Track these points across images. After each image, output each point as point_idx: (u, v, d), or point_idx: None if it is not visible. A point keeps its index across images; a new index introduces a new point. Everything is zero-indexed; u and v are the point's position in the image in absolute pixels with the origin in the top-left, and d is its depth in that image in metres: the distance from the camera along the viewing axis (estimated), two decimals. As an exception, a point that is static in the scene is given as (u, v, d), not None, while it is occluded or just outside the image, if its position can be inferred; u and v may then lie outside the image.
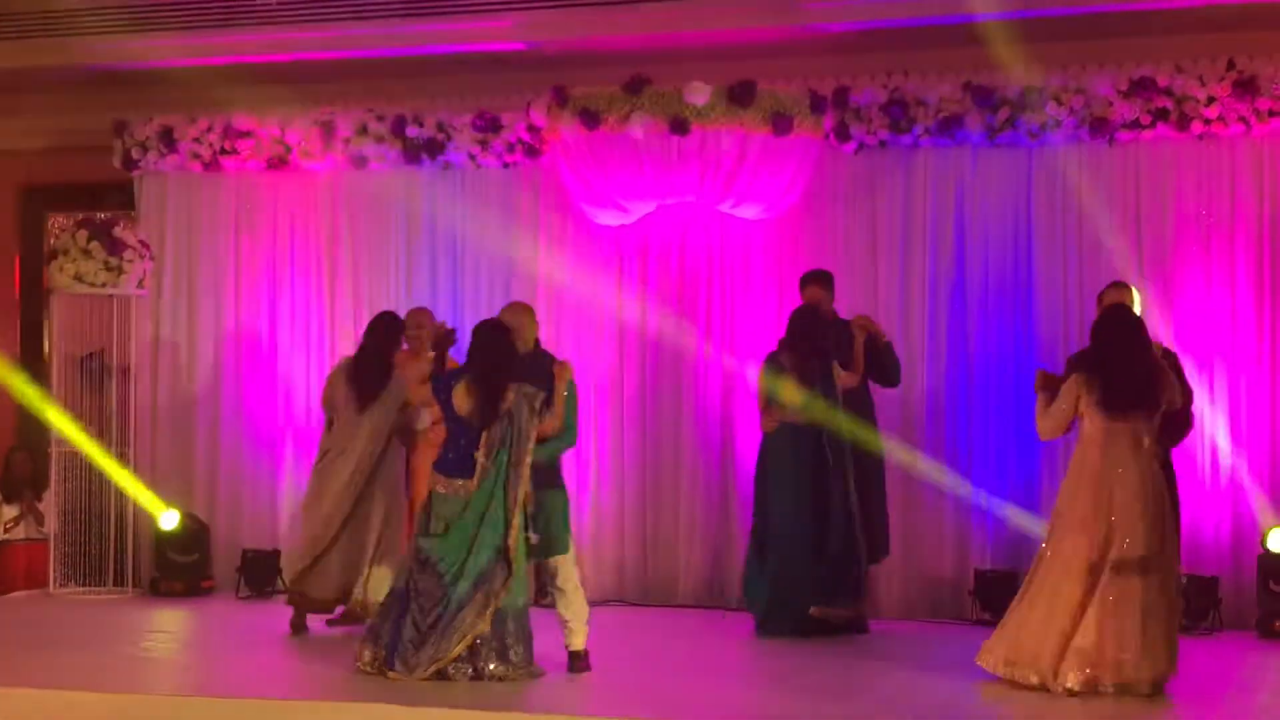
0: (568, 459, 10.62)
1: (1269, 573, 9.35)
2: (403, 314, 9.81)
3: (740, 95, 10.07)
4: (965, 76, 10.22)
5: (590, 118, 10.20)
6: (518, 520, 7.63)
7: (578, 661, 7.94)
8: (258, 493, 11.43)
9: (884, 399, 10.00)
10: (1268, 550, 9.41)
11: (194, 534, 11.13)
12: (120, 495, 11.08)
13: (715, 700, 7.39)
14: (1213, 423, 9.84)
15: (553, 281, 10.94)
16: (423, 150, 11.12)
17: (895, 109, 10.27)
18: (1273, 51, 9.80)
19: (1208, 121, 9.84)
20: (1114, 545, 7.33)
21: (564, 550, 8.02)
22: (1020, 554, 9.97)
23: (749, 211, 10.49)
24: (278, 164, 11.41)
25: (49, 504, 11.31)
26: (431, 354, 8.09)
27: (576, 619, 7.99)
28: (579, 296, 10.93)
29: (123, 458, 11.13)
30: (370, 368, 9.29)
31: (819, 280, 9.81)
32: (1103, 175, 10.10)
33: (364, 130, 11.19)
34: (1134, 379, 7.44)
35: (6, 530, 11.58)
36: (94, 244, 10.88)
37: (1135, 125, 9.95)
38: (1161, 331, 9.88)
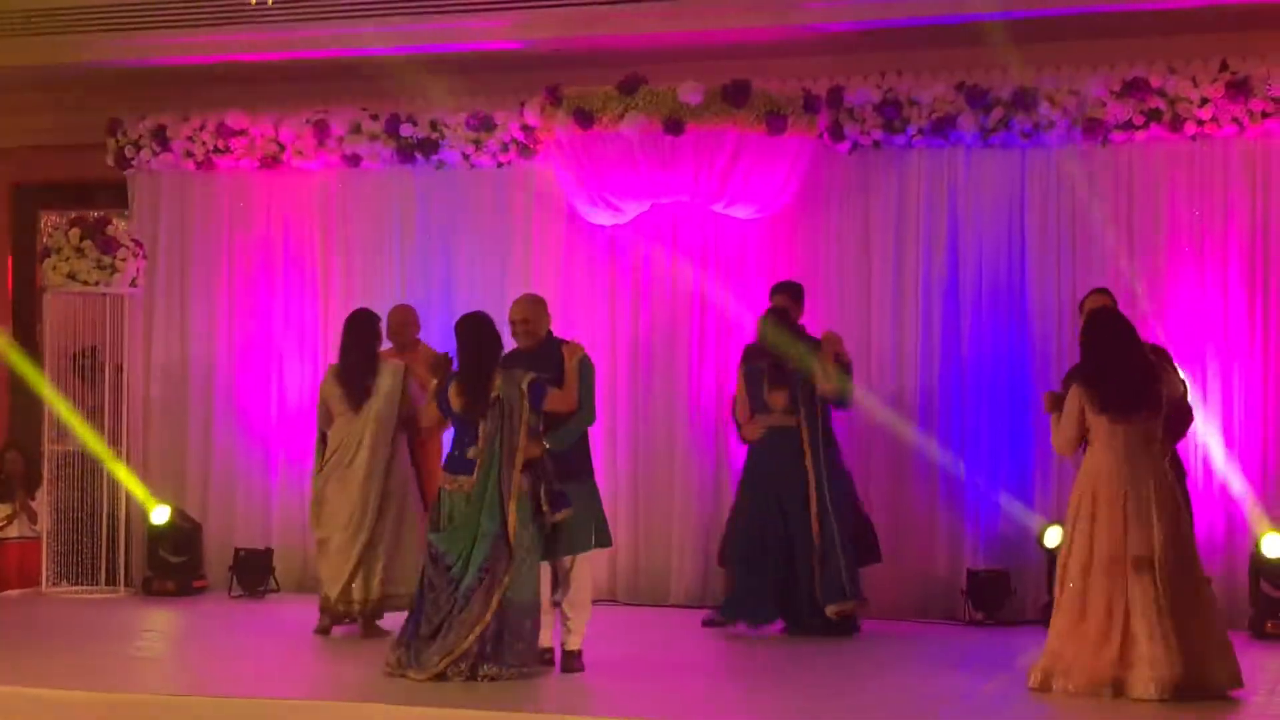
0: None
1: (1263, 575, 9.36)
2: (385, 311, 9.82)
3: (734, 95, 10.07)
4: (959, 77, 10.23)
5: (584, 117, 10.20)
6: (514, 508, 7.64)
7: (572, 661, 7.94)
8: (250, 492, 11.42)
9: (878, 396, 10.02)
10: (1262, 555, 9.42)
11: (186, 533, 11.12)
12: (113, 494, 11.06)
13: (707, 700, 7.40)
14: (1205, 423, 9.85)
15: (546, 281, 10.93)
16: (416, 149, 11.12)
17: (889, 109, 10.28)
18: (1266, 53, 9.81)
19: (1201, 123, 9.85)
20: (1138, 546, 7.32)
21: (585, 548, 8.02)
22: (1013, 554, 10.00)
23: (743, 211, 10.49)
24: (271, 163, 11.41)
25: (41, 503, 11.30)
26: (434, 381, 8.11)
27: (579, 619, 7.99)
28: (572, 296, 10.93)
29: (116, 456, 11.11)
30: (357, 365, 9.26)
31: (788, 291, 9.82)
32: (1096, 176, 10.11)
33: (358, 129, 11.19)
34: (1131, 380, 7.46)
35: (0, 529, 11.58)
36: (87, 242, 10.86)
37: (1128, 126, 9.96)
38: (1154, 332, 9.89)
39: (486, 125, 10.96)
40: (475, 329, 7.88)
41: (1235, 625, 9.36)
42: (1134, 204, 10.09)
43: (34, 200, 12.41)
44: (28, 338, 12.21)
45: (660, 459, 10.76)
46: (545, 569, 7.94)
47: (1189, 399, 8.13)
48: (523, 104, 10.71)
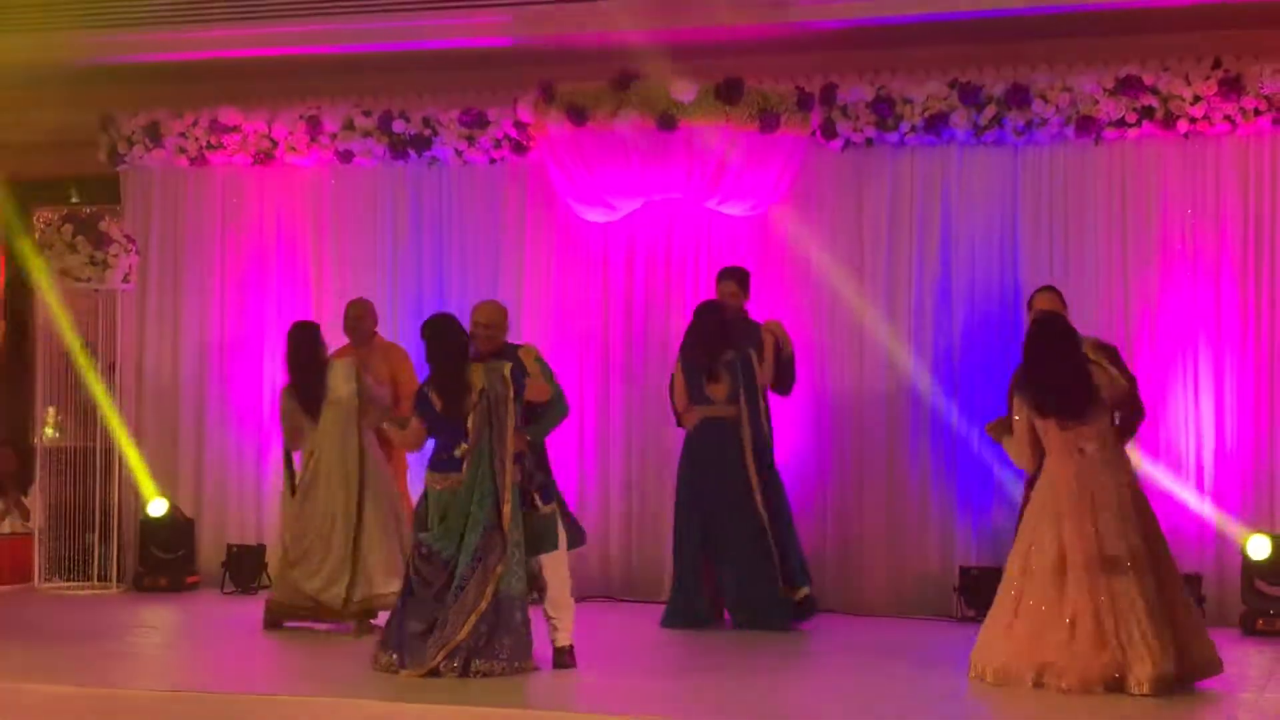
0: (554, 455, 10.66)
1: (1254, 572, 9.37)
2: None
3: (727, 92, 10.08)
4: (952, 74, 10.23)
5: (577, 114, 10.20)
6: (508, 495, 7.65)
7: (563, 657, 7.94)
8: (243, 488, 11.42)
9: (870, 395, 10.04)
10: (1247, 556, 9.43)
11: (179, 529, 11.13)
12: (105, 491, 11.06)
13: (702, 697, 7.40)
14: (1196, 419, 9.87)
15: (539, 278, 10.94)
16: (409, 145, 11.11)
17: (882, 106, 10.28)
18: (1259, 51, 9.82)
19: (1193, 120, 9.86)
20: (1113, 546, 7.35)
21: (554, 548, 8.03)
22: (1005, 552, 9.98)
23: (735, 209, 10.50)
24: (264, 159, 11.40)
25: (34, 499, 11.29)
26: (409, 420, 8.16)
27: (563, 618, 7.99)
28: (565, 293, 10.94)
29: (108, 452, 11.11)
30: (306, 378, 9.32)
31: (736, 276, 9.84)
32: (1089, 173, 10.12)
33: (350, 125, 11.19)
34: (1070, 385, 7.51)
35: None
36: (79, 239, 10.85)
37: (1121, 124, 9.97)
38: (1147, 330, 9.92)
39: (479, 122, 10.96)
40: (445, 330, 7.93)
41: (1226, 622, 9.42)
42: (1127, 201, 10.09)
43: (26, 196, 12.38)
44: (21, 334, 12.19)
45: (653, 456, 10.75)
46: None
47: (1136, 393, 8.13)
48: (516, 101, 10.71)
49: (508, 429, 7.71)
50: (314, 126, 11.23)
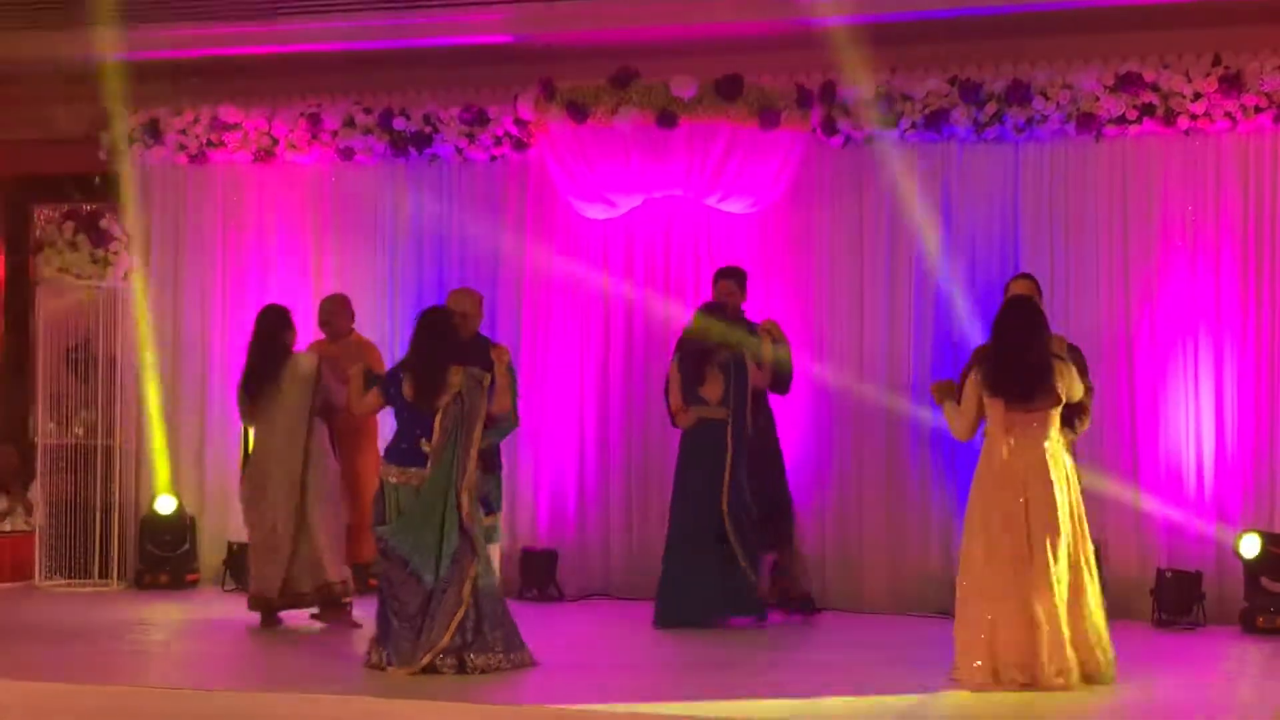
0: (553, 452, 10.65)
1: (1260, 569, 9.35)
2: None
3: (727, 89, 10.07)
4: (952, 71, 10.22)
5: (577, 111, 10.20)
6: (466, 499, 7.69)
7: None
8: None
9: (870, 392, 10.04)
10: (1240, 556, 9.42)
11: (180, 527, 11.12)
12: (106, 488, 11.06)
13: (698, 694, 7.39)
14: (1197, 417, 9.86)
15: (539, 275, 10.94)
16: (410, 143, 11.11)
17: (882, 103, 10.28)
18: (1259, 47, 9.81)
19: (1194, 117, 9.85)
20: (1044, 538, 7.37)
21: (495, 540, 8.09)
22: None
23: (735, 205, 10.49)
24: (264, 156, 11.40)
25: (36, 496, 11.30)
26: (361, 369, 8.20)
27: None
28: (565, 290, 10.93)
29: (108, 450, 11.12)
30: (258, 365, 9.33)
31: (734, 276, 9.84)
32: (1089, 170, 10.11)
33: (351, 123, 11.18)
34: (1027, 371, 7.50)
35: None
36: (80, 236, 10.85)
37: (1122, 121, 9.96)
38: (1147, 325, 9.92)
39: (480, 119, 10.96)
40: (437, 322, 7.95)
41: (1226, 620, 9.42)
42: (1127, 198, 10.08)
43: (27, 194, 12.39)
44: (19, 331, 12.20)
45: (653, 453, 10.74)
46: None
47: (1089, 403, 8.13)
48: (516, 98, 10.71)
49: (476, 434, 7.77)
50: (314, 124, 11.22)
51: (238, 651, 8.67)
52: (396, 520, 7.74)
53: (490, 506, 8.00)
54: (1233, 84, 9.73)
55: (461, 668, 7.58)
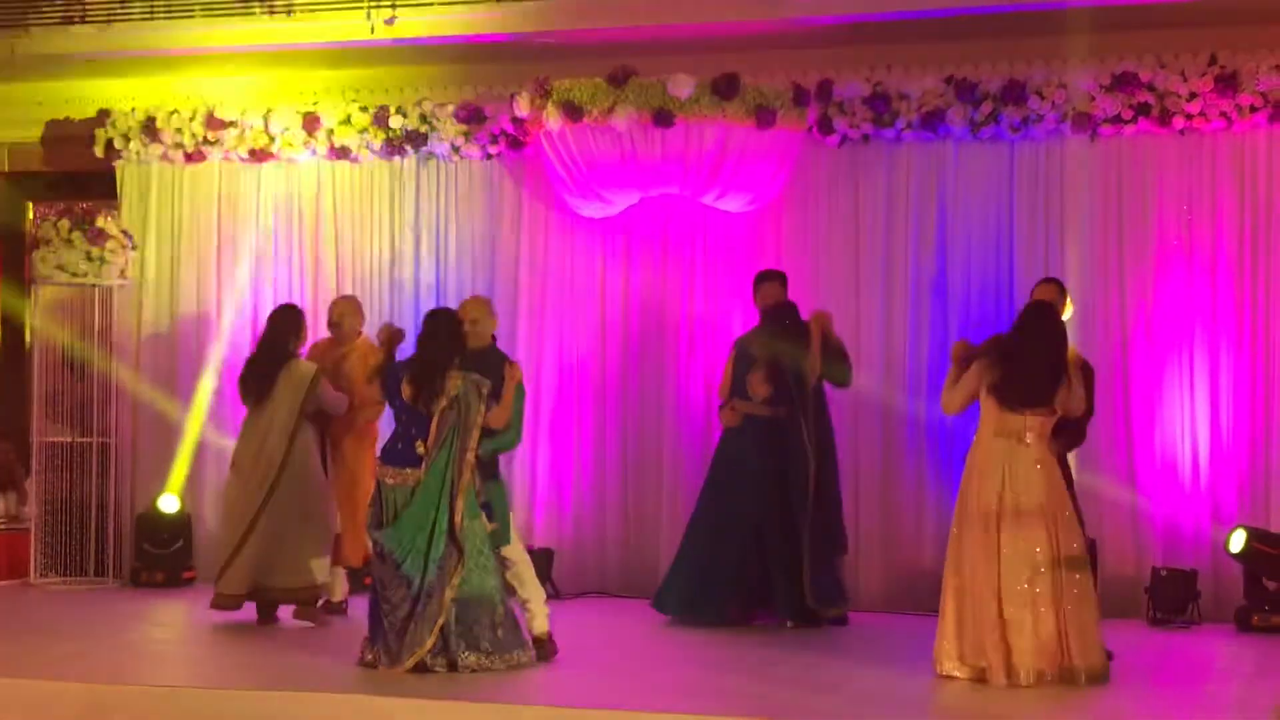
0: (549, 450, 10.65)
1: (1259, 568, 9.35)
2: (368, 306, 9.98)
3: (724, 88, 10.08)
4: (948, 71, 10.24)
5: (574, 109, 10.20)
6: (461, 505, 7.67)
7: (544, 646, 7.96)
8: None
9: (866, 390, 10.03)
10: (1229, 551, 9.43)
11: (176, 524, 11.12)
12: (102, 485, 11.07)
13: (694, 691, 7.41)
14: (1192, 416, 9.88)
15: (535, 274, 10.94)
16: (405, 141, 11.11)
17: (878, 102, 10.29)
18: (1254, 47, 9.83)
19: (1189, 117, 9.87)
20: (1035, 542, 7.40)
21: (507, 541, 8.07)
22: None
23: (732, 204, 10.50)
24: (260, 155, 11.39)
25: (31, 493, 11.30)
26: (381, 350, 8.13)
27: (535, 600, 8.04)
28: (562, 288, 10.94)
29: (104, 447, 11.12)
30: (262, 363, 9.37)
31: (776, 278, 9.83)
32: (1084, 170, 10.12)
33: (347, 121, 11.17)
34: (1033, 376, 7.51)
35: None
36: (76, 234, 10.85)
37: (1117, 120, 9.98)
38: (1143, 326, 9.93)
39: (476, 117, 10.96)
40: (443, 325, 7.94)
41: (1221, 618, 9.44)
42: (1122, 198, 10.10)
43: (23, 191, 12.38)
44: (16, 329, 12.20)
45: (650, 451, 10.76)
46: None
47: (1085, 424, 8.14)
48: (512, 96, 10.71)
49: (471, 441, 7.75)
50: (310, 122, 11.22)
51: (233, 650, 8.66)
52: (391, 525, 7.73)
53: (491, 513, 7.93)
54: (1228, 84, 9.75)
55: (453, 667, 7.58)
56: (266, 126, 11.31)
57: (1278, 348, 9.85)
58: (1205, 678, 7.75)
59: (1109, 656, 7.55)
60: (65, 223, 10.88)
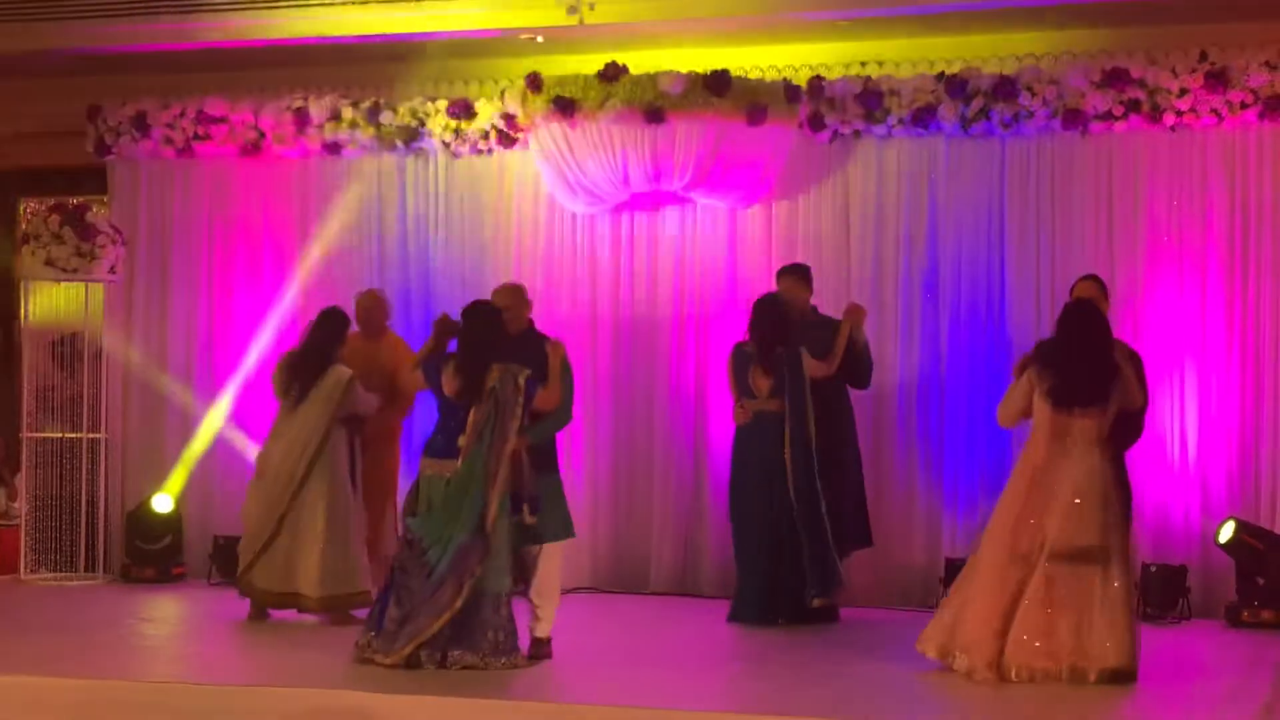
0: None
1: (1245, 560, 9.37)
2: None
3: (715, 84, 10.08)
4: (939, 67, 10.24)
5: (565, 105, 10.20)
6: (496, 499, 7.64)
7: (540, 648, 7.94)
8: (229, 479, 11.37)
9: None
10: (1217, 542, 9.45)
11: (166, 521, 11.11)
12: (92, 481, 11.06)
13: (686, 688, 7.41)
14: (1182, 412, 9.90)
15: (525, 269, 10.93)
16: (397, 137, 11.10)
17: (869, 98, 10.30)
18: (1245, 44, 9.84)
19: (1180, 113, 9.88)
20: (1052, 536, 7.36)
21: (554, 538, 8.04)
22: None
23: (723, 200, 10.51)
24: (251, 150, 11.38)
25: (20, 489, 11.29)
26: (432, 340, 8.09)
27: (547, 608, 8.00)
28: (553, 285, 10.93)
29: (94, 443, 11.11)
30: (310, 363, 9.32)
31: (794, 273, 9.82)
32: (1075, 166, 10.14)
33: (338, 116, 11.17)
34: (1084, 375, 7.48)
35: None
36: (66, 229, 10.83)
37: (1108, 116, 9.98)
38: (1132, 322, 9.94)
39: (467, 113, 10.95)
40: (486, 319, 7.88)
41: (1211, 614, 9.46)
42: (1113, 194, 10.11)
43: (12, 187, 12.37)
44: (5, 325, 12.18)
45: (640, 446, 10.77)
46: None
47: (1143, 414, 8.13)
48: (504, 92, 10.71)
49: (509, 434, 7.70)
50: (301, 118, 11.21)
51: (225, 646, 8.67)
52: (425, 514, 7.74)
53: (536, 506, 7.89)
54: (1219, 80, 9.76)
55: (443, 663, 7.57)
56: (257, 122, 11.30)
57: (1268, 344, 9.86)
58: (1195, 674, 7.75)
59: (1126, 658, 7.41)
60: (55, 218, 10.86)
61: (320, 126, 11.19)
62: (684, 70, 10.15)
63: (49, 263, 10.87)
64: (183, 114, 11.40)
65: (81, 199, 11.45)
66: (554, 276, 10.95)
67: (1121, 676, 7.32)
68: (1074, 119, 10.01)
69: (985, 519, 9.86)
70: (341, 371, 9.29)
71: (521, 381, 7.74)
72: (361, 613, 9.08)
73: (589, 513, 10.80)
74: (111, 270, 11.06)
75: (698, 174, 10.25)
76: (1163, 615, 9.45)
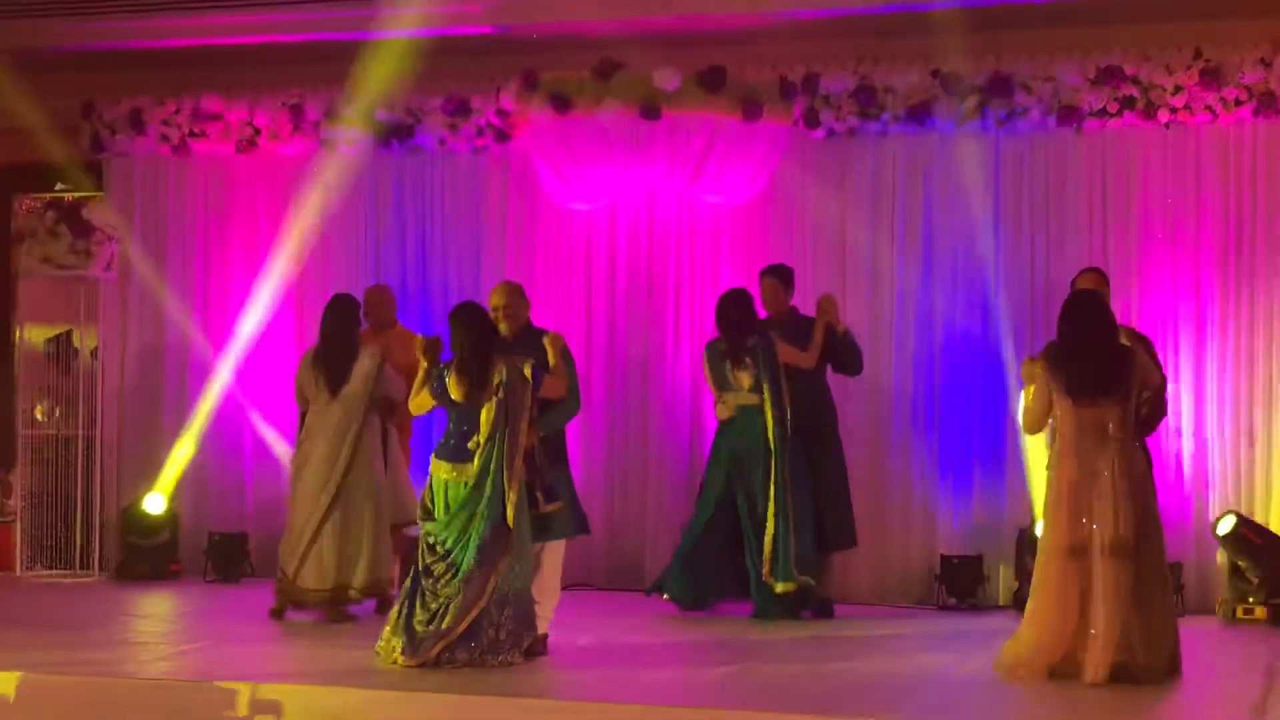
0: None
1: (1243, 554, 9.39)
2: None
3: (710, 81, 10.09)
4: (934, 64, 10.25)
5: (561, 102, 10.21)
6: (515, 493, 7.65)
7: (537, 645, 7.94)
8: (225, 476, 11.41)
9: (853, 383, 10.04)
10: (1215, 534, 9.48)
11: (161, 517, 11.10)
12: (88, 478, 11.05)
13: (681, 685, 7.42)
14: (1176, 408, 9.90)
15: (521, 266, 10.94)
16: (392, 133, 11.10)
17: (864, 96, 10.30)
18: (1239, 41, 9.85)
19: (1174, 110, 9.89)
20: (1098, 531, 7.34)
21: (564, 534, 8.05)
22: (986, 540, 10.05)
23: (718, 197, 10.52)
24: (246, 146, 11.38)
25: (15, 486, 11.28)
26: (423, 363, 8.07)
27: (547, 604, 8.01)
28: (548, 282, 10.94)
29: (89, 440, 11.10)
30: (336, 352, 9.25)
31: (776, 274, 9.80)
32: (1070, 163, 10.15)
33: (334, 113, 11.16)
34: (1096, 365, 7.45)
35: None
36: (61, 226, 10.82)
37: (1102, 113, 10.00)
38: (1126, 319, 9.94)
39: (462, 110, 10.95)
40: (474, 317, 7.86)
41: (1205, 611, 9.47)
42: (1107, 191, 10.13)
43: (8, 183, 12.34)
44: (2, 322, 12.17)
45: (634, 444, 10.78)
46: None
47: (1164, 391, 8.11)
48: (499, 89, 10.71)
49: (521, 426, 7.69)
50: (296, 114, 11.21)
51: (220, 643, 8.65)
52: (444, 516, 7.73)
53: (552, 495, 7.91)
54: (1213, 77, 9.78)
55: (468, 663, 7.55)
56: (252, 118, 11.30)
57: (1261, 341, 9.89)
58: (1188, 670, 7.75)
59: (1150, 656, 7.35)
60: (51, 215, 10.85)
61: (316, 123, 11.18)
62: (679, 67, 10.15)
63: (45, 260, 10.87)
64: (178, 110, 11.40)
65: (77, 196, 11.43)
66: (548, 273, 10.95)
67: (1155, 673, 7.28)
68: (1069, 116, 10.03)
69: (982, 516, 10.01)
70: (370, 356, 9.28)
71: (528, 371, 7.73)
72: (358, 610, 9.12)
73: (585, 511, 10.79)
74: (107, 267, 11.05)
75: (693, 171, 10.26)
76: (1157, 611, 9.45)
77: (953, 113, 10.17)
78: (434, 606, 7.63)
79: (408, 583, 7.86)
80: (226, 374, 11.26)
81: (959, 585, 9.89)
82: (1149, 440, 9.47)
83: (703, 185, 10.38)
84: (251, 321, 11.23)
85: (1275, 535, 9.48)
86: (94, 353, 11.23)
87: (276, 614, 9.18)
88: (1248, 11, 9.79)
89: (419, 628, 7.63)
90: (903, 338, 10.38)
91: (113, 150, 11.59)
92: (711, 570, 9.49)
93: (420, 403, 8.02)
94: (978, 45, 10.24)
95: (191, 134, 11.41)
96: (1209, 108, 9.85)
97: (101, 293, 11.22)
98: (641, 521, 10.75)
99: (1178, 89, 9.83)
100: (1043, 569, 7.45)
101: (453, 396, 7.75)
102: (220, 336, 11.44)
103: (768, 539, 9.24)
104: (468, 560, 7.60)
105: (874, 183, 10.47)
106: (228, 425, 11.38)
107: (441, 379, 7.80)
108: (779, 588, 9.24)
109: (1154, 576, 7.42)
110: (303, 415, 9.43)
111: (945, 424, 10.29)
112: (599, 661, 7.98)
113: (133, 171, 11.64)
